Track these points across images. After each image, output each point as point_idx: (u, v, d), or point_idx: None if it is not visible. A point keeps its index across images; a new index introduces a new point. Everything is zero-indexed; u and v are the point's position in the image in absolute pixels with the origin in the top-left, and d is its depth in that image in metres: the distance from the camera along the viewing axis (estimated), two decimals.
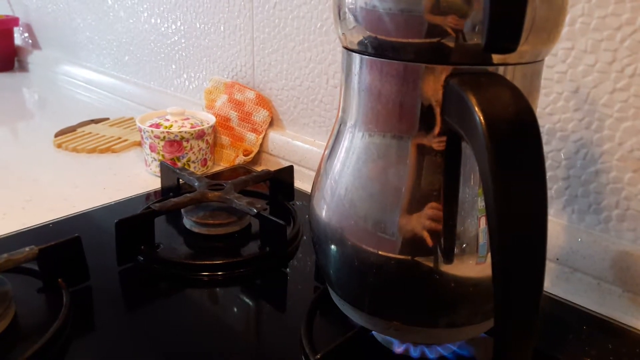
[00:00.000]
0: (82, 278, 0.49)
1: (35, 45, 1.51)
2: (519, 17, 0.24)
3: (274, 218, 0.53)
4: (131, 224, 0.52)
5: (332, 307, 0.41)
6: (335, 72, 0.70)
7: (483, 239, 0.33)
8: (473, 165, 0.32)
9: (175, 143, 0.74)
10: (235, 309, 0.47)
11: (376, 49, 0.32)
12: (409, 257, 0.33)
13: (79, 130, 0.94)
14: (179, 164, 0.75)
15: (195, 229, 0.59)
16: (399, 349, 0.40)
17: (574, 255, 0.50)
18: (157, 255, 0.53)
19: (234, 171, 0.79)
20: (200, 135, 0.76)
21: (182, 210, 0.60)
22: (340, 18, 0.34)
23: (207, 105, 0.88)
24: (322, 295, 0.46)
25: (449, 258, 0.33)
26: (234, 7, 0.83)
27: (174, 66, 1.01)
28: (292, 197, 0.69)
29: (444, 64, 0.30)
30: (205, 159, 0.79)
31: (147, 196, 0.69)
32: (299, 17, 0.72)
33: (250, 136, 0.81)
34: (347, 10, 0.32)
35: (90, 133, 0.93)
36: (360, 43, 0.33)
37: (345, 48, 0.35)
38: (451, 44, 0.29)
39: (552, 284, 0.52)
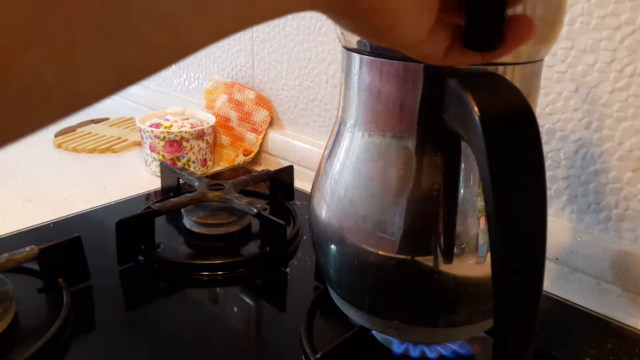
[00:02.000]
0: (82, 278, 0.49)
1: None
2: (499, 12, 0.24)
3: (274, 218, 0.53)
4: (131, 223, 0.52)
5: (332, 306, 0.41)
6: (335, 71, 0.70)
7: (483, 238, 0.33)
8: (473, 165, 0.32)
9: (175, 143, 0.74)
10: (236, 309, 0.47)
11: (375, 48, 0.32)
12: (409, 257, 0.33)
13: (79, 130, 0.94)
14: (179, 164, 0.75)
15: (196, 229, 0.59)
16: (398, 348, 0.40)
17: (574, 255, 0.50)
18: (157, 255, 0.53)
19: (234, 171, 0.79)
20: (200, 135, 0.76)
21: (182, 210, 0.60)
22: None
23: (207, 105, 0.88)
24: (322, 295, 0.46)
25: (448, 258, 0.33)
26: None
27: (173, 66, 1.01)
28: (292, 197, 0.69)
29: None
30: (205, 159, 0.79)
31: (147, 196, 0.69)
32: (299, 17, 0.73)
33: (250, 136, 0.82)
34: None
35: (90, 133, 0.93)
36: (359, 42, 0.33)
37: (345, 47, 0.35)
38: None
39: (552, 283, 0.52)
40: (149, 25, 0.13)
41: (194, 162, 0.77)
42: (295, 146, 0.77)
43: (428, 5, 0.21)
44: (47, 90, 0.12)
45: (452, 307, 0.35)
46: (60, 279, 0.47)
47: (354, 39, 0.33)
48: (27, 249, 0.46)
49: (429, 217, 0.33)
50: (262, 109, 0.81)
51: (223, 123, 0.84)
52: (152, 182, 0.74)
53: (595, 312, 0.47)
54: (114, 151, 0.86)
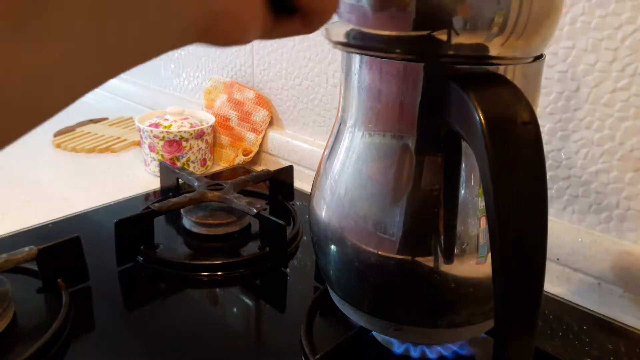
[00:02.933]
0: (81, 278, 0.49)
1: None
2: None
3: (273, 218, 0.53)
4: (131, 224, 0.52)
5: (332, 307, 0.41)
6: (334, 71, 0.70)
7: (483, 239, 0.33)
8: (473, 165, 0.32)
9: (175, 143, 0.74)
10: (235, 309, 0.47)
11: (360, 40, 0.31)
12: (409, 257, 0.33)
13: (78, 130, 0.94)
14: (179, 164, 0.75)
15: (195, 229, 0.59)
16: (399, 349, 0.40)
17: (575, 256, 0.50)
18: (156, 255, 0.53)
19: (233, 171, 0.79)
20: (199, 135, 0.76)
21: (182, 210, 0.60)
22: None
23: (206, 104, 0.88)
24: (322, 295, 0.46)
25: (449, 258, 0.33)
26: None
27: (173, 65, 1.01)
28: (292, 197, 0.69)
29: (432, 61, 0.30)
30: (204, 159, 0.79)
31: (147, 196, 0.69)
32: None
33: (250, 136, 0.81)
34: None
35: (89, 133, 0.93)
36: (345, 35, 0.32)
37: (329, 40, 0.34)
38: (443, 37, 0.28)
39: (553, 284, 0.52)
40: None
41: (193, 162, 0.77)
42: (295, 146, 0.77)
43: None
44: None
45: (452, 307, 0.35)
46: (59, 279, 0.47)
47: (339, 34, 0.32)
48: (26, 249, 0.45)
49: (429, 218, 0.33)
50: (262, 108, 0.81)
51: (222, 123, 0.84)
52: (151, 182, 0.74)
53: (596, 312, 0.47)
54: (113, 151, 0.86)
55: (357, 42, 0.31)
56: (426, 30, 0.28)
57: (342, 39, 0.32)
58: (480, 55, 0.29)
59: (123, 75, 1.15)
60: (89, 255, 0.49)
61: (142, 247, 0.53)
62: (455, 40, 0.28)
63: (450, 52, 0.29)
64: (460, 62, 0.29)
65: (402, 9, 0.28)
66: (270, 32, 0.24)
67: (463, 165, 0.32)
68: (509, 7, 0.28)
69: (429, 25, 0.28)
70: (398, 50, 0.30)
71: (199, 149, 0.77)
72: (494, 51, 0.29)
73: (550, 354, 0.40)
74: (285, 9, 0.23)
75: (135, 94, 1.11)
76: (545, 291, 0.49)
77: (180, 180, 0.67)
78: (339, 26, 0.31)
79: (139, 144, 0.87)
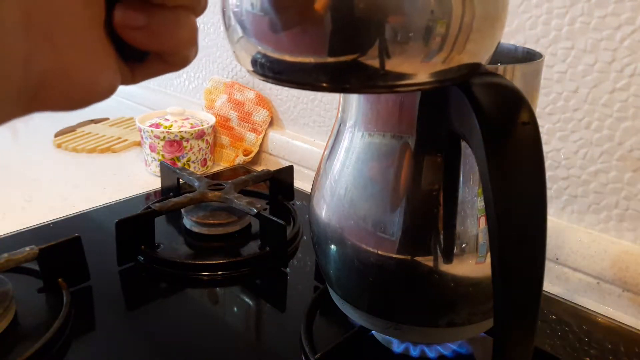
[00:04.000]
0: (82, 278, 0.49)
1: None
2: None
3: (274, 218, 0.53)
4: (131, 223, 0.52)
5: (332, 306, 0.41)
6: None
7: (483, 238, 0.33)
8: (473, 165, 0.32)
9: (175, 143, 0.74)
10: (235, 309, 0.47)
11: (274, 70, 0.24)
12: (409, 257, 0.33)
13: (79, 130, 0.94)
14: (179, 164, 0.75)
15: (195, 229, 0.59)
16: (398, 348, 0.40)
17: (574, 255, 0.50)
18: (157, 255, 0.53)
19: (233, 171, 0.79)
20: (200, 135, 0.76)
21: (182, 210, 0.60)
22: (226, 26, 0.25)
23: (206, 105, 0.88)
24: (322, 295, 0.46)
25: (448, 258, 0.33)
26: None
27: None
28: (292, 197, 0.69)
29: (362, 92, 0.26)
30: (205, 159, 0.79)
31: (147, 196, 0.69)
32: None
33: (250, 136, 0.81)
34: (231, 14, 0.24)
35: (90, 133, 0.93)
36: (252, 62, 0.24)
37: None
38: (373, 63, 0.22)
39: (552, 283, 0.52)
40: None
41: (194, 162, 0.77)
42: (295, 146, 0.77)
43: (105, 60, 0.19)
44: None
45: (452, 307, 0.35)
46: (60, 279, 0.47)
47: (245, 57, 0.25)
48: (27, 249, 0.46)
49: (429, 217, 0.33)
50: (262, 108, 0.81)
51: (223, 123, 0.84)
52: (152, 182, 0.74)
53: (595, 312, 0.48)
54: (113, 151, 0.86)
55: (267, 72, 0.24)
56: (352, 55, 0.22)
57: (249, 66, 0.25)
58: (423, 81, 0.24)
59: None
60: (89, 255, 0.49)
61: (142, 247, 0.53)
62: (389, 65, 0.22)
63: (386, 82, 0.23)
64: (402, 89, 0.24)
65: (315, 24, 0.21)
66: (132, 79, 0.22)
67: (463, 166, 0.32)
68: (450, 15, 0.22)
69: (355, 47, 0.22)
70: (324, 84, 0.23)
71: (200, 149, 0.77)
72: (435, 74, 0.24)
73: (549, 354, 0.41)
74: (138, 54, 0.20)
75: (136, 94, 1.11)
76: (545, 291, 0.49)
77: (180, 180, 0.67)
78: (245, 48, 0.24)
79: (139, 144, 0.87)
